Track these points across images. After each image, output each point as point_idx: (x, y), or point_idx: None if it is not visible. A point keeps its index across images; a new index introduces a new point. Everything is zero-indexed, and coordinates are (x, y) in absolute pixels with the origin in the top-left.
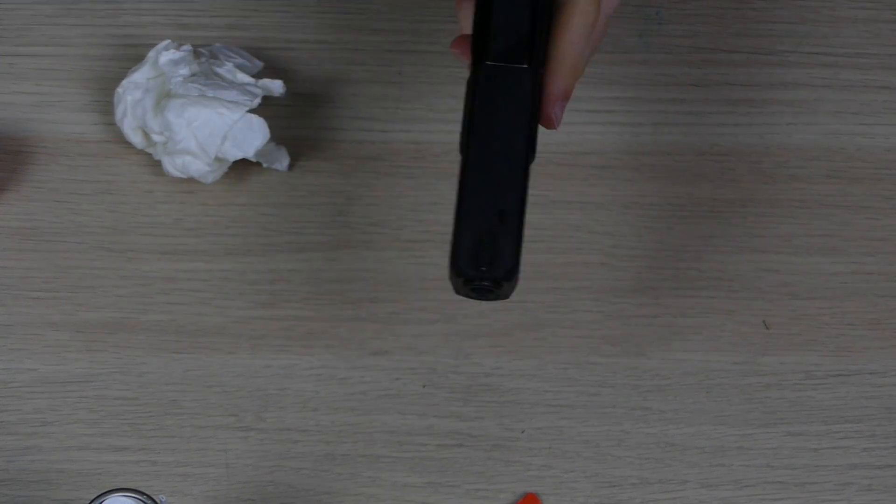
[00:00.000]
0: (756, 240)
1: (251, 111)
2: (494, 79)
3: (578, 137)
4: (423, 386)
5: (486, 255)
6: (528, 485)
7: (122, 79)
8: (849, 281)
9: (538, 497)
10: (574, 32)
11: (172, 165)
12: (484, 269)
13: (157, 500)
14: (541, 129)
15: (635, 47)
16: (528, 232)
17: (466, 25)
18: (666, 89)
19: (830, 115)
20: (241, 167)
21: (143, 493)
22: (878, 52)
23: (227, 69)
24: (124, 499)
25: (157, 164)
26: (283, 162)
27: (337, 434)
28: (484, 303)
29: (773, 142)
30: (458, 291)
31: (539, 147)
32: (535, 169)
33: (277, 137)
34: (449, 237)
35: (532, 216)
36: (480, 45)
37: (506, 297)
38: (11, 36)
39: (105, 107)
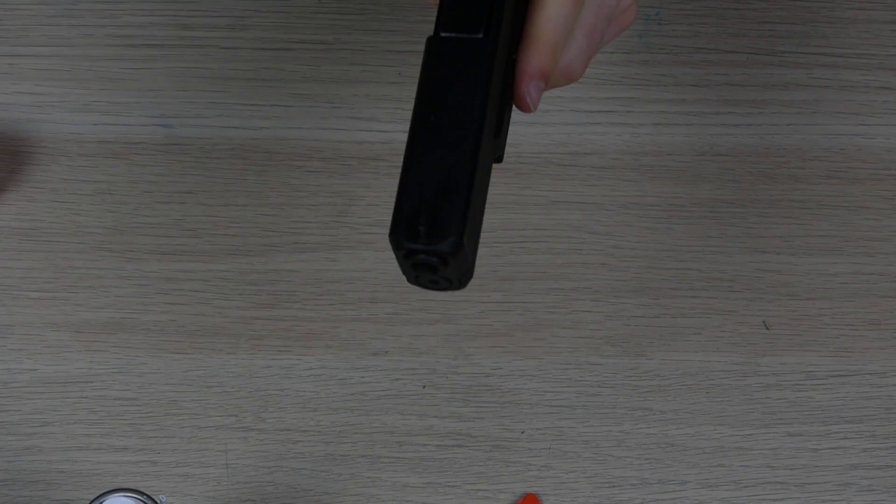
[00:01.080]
0: (756, 240)
1: None
2: (445, 49)
3: (578, 137)
4: (424, 386)
5: (426, 226)
6: (528, 485)
7: (122, 79)
8: (849, 281)
9: (538, 497)
10: (550, 8)
11: None
12: (423, 240)
13: (157, 500)
14: (537, 130)
15: (635, 47)
16: (527, 232)
17: None
18: (666, 89)
19: (830, 115)
20: (240, 166)
21: (143, 493)
22: (878, 53)
23: None
24: (124, 499)
25: (157, 164)
26: None
27: (337, 434)
28: (483, 303)
29: (773, 142)
30: (406, 275)
31: (539, 147)
32: (535, 169)
33: (277, 136)
34: None
35: (532, 216)
36: (438, 15)
37: (458, 283)
38: (12, 36)
39: (105, 107)
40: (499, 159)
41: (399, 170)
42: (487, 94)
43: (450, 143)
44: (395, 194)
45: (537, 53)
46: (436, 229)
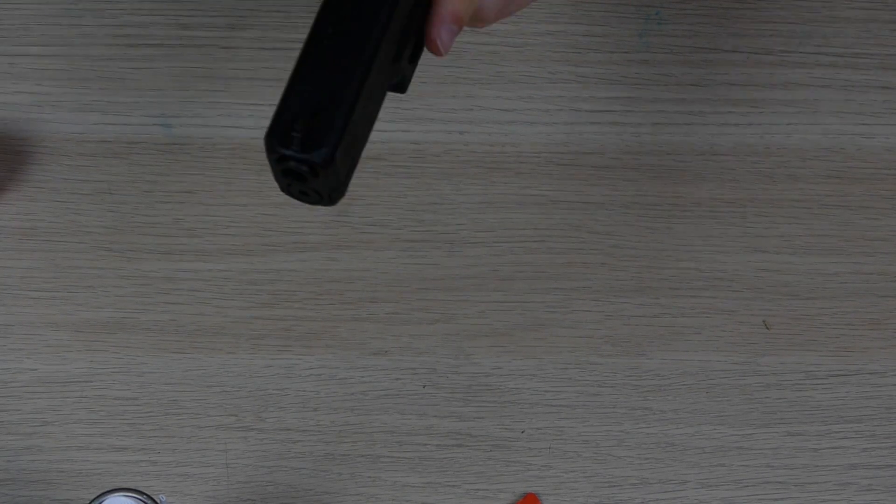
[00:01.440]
0: (756, 239)
1: None
2: None
3: (578, 137)
4: (423, 386)
5: (301, 134)
6: (528, 485)
7: (122, 79)
8: (849, 281)
9: (538, 497)
10: None
11: None
12: (295, 147)
13: (157, 500)
14: (528, 118)
15: (635, 47)
16: (527, 231)
17: None
18: (666, 89)
19: (830, 115)
20: (240, 166)
21: (143, 493)
22: (878, 52)
23: None
24: (124, 499)
25: (157, 163)
26: None
27: (337, 434)
28: (483, 302)
29: (773, 142)
30: (278, 182)
31: (539, 147)
32: (535, 169)
33: None
34: (449, 236)
35: (532, 216)
36: None
37: (328, 199)
38: (11, 36)
39: (105, 106)
40: (401, 88)
41: (399, 169)
42: (391, 14)
43: (342, 57)
44: (394, 193)
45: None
46: (310, 139)
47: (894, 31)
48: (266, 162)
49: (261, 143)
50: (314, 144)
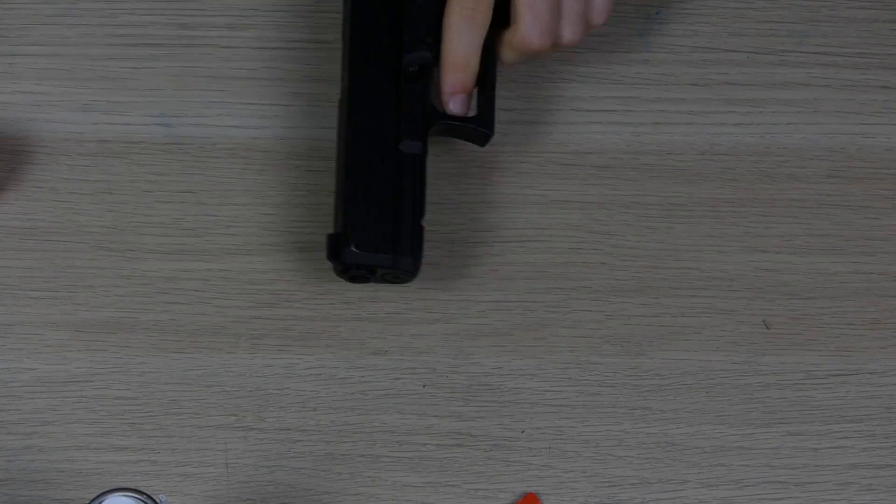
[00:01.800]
0: (756, 239)
1: None
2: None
3: (578, 137)
4: (423, 386)
5: (329, 252)
6: (528, 485)
7: (122, 78)
8: (849, 281)
9: (538, 497)
10: (449, 32)
11: None
12: (335, 263)
13: (157, 500)
14: (539, 129)
15: (635, 47)
16: (527, 231)
17: None
18: (666, 89)
19: (830, 115)
20: (240, 166)
21: (143, 493)
22: (878, 52)
23: None
24: (124, 499)
25: (157, 163)
26: None
27: (337, 434)
28: (483, 302)
29: (773, 142)
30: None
31: (539, 147)
32: (535, 168)
33: (277, 136)
34: (449, 235)
35: (532, 215)
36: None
37: (408, 272)
38: (11, 36)
39: (105, 106)
40: (484, 135)
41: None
42: (353, 119)
43: (339, 176)
44: None
45: (445, 75)
46: (334, 249)
47: (894, 30)
48: (267, 162)
49: (260, 143)
50: (338, 252)
